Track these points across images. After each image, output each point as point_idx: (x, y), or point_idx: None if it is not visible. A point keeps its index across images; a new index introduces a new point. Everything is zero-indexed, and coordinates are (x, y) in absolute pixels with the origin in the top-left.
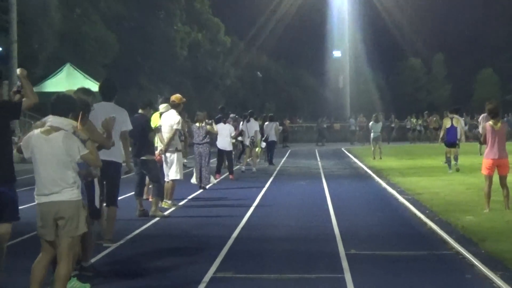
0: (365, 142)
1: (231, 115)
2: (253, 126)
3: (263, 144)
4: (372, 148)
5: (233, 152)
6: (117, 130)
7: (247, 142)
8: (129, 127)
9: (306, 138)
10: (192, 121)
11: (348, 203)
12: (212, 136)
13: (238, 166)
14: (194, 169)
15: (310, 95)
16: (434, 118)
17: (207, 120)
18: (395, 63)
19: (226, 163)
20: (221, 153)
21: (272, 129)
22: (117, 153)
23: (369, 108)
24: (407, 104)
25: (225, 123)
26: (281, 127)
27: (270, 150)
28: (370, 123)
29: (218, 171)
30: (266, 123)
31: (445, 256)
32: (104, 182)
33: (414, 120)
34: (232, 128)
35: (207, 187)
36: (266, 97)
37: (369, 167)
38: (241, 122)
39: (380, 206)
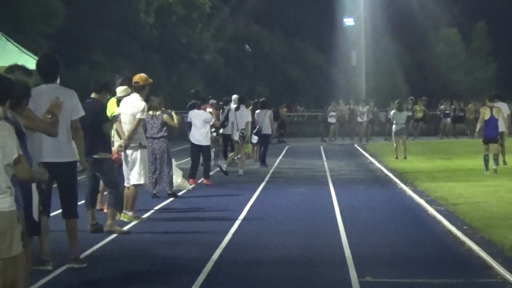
0: (339, 138)
1: (211, 101)
2: (245, 115)
3: (254, 139)
4: (395, 145)
5: (213, 149)
6: (66, 119)
7: (235, 136)
8: (81, 113)
9: (308, 131)
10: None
11: (363, 216)
12: (172, 130)
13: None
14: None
15: (314, 75)
16: (474, 107)
17: (163, 109)
18: (424, 35)
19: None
20: (196, 150)
21: (266, 118)
22: (68, 150)
23: (390, 92)
24: (440, 88)
25: (199, 109)
26: (275, 123)
27: (264, 146)
28: (392, 112)
29: (192, 175)
30: (258, 111)
31: (488, 285)
32: (59, 188)
33: (447, 107)
34: (209, 116)
35: (181, 193)
36: (256, 78)
37: (390, 169)
38: (221, 110)
39: (404, 220)
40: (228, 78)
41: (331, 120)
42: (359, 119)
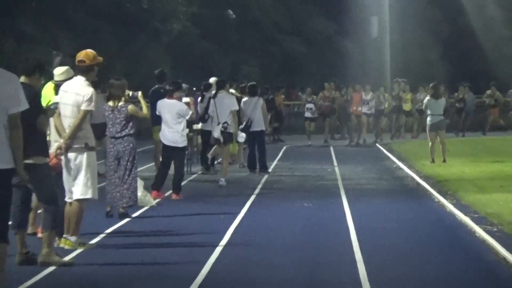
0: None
1: (183, 86)
2: (227, 103)
3: (241, 137)
4: (430, 143)
5: (187, 151)
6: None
7: (215, 133)
8: (23, 105)
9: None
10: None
11: (388, 242)
12: (143, 117)
13: (195, 175)
14: (106, 184)
15: (320, 50)
16: None
17: (130, 94)
18: None
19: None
20: (167, 153)
21: (257, 109)
22: (3, 154)
23: (422, 72)
24: (490, 68)
25: (171, 98)
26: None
27: (259, 146)
28: (426, 100)
29: (156, 186)
30: (245, 99)
31: None
32: None
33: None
34: (184, 107)
35: (141, 211)
36: (243, 55)
37: (424, 177)
38: (200, 98)
39: (444, 246)
40: (204, 55)
41: (308, 114)
42: (361, 109)
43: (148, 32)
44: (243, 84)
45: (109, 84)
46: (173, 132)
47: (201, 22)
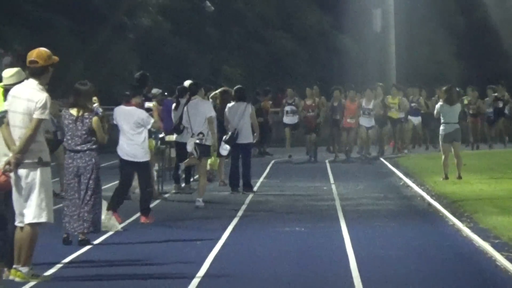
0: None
1: (153, 91)
2: (202, 110)
3: (224, 149)
4: (443, 157)
5: (155, 167)
6: None
7: (189, 146)
8: None
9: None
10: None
11: (394, 271)
12: (101, 139)
13: (168, 194)
14: (64, 205)
15: (314, 48)
16: None
17: (95, 105)
18: None
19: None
20: (126, 169)
21: (245, 117)
22: None
23: (432, 72)
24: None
25: (129, 104)
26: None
27: (244, 161)
28: (438, 105)
29: (113, 205)
30: (230, 104)
31: None
32: None
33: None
34: (145, 115)
35: (105, 237)
36: (223, 54)
37: (436, 196)
38: (176, 105)
39: (460, 276)
40: (178, 54)
41: (287, 119)
42: (356, 121)
43: (112, 27)
44: (225, 88)
45: (74, 89)
46: (132, 144)
47: (174, 16)
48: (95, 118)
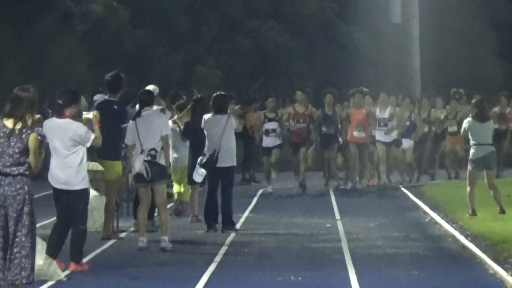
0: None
1: (96, 97)
2: (156, 125)
3: (199, 174)
4: (468, 188)
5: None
6: None
7: (136, 165)
8: None
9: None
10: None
11: None
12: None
13: (125, 234)
14: None
15: (316, 44)
16: None
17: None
18: None
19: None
20: (61, 201)
21: (227, 132)
22: None
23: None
24: None
25: (62, 116)
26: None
27: (224, 190)
28: (466, 123)
29: (53, 248)
30: (207, 117)
31: None
32: None
33: None
34: (81, 129)
35: None
36: (197, 50)
37: (473, 236)
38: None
39: None
40: (139, 50)
41: (267, 141)
42: (366, 135)
43: (54, 16)
44: (198, 96)
45: (12, 96)
46: (65, 168)
47: (134, 1)
48: (33, 135)
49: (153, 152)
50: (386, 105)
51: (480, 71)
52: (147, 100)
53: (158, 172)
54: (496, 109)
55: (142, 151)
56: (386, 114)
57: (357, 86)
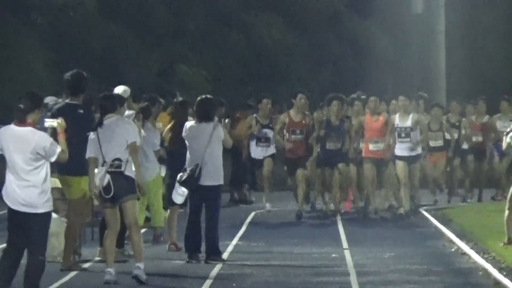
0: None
1: (47, 99)
2: (120, 133)
3: (180, 194)
4: (507, 212)
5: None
6: None
7: (97, 178)
8: None
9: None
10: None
11: None
12: None
13: (90, 264)
14: None
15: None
16: None
17: None
18: None
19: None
20: (16, 225)
21: (212, 143)
22: None
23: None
24: None
25: (20, 123)
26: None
27: (209, 213)
28: (510, 136)
29: (3, 281)
30: (189, 124)
31: None
32: None
33: None
34: (46, 140)
35: None
36: (179, 47)
37: (508, 269)
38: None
39: None
40: (109, 46)
41: (257, 151)
42: (383, 147)
43: (12, 10)
44: (180, 100)
45: None
46: (26, 187)
47: None
48: None
49: (117, 162)
50: (408, 111)
51: None
52: (109, 106)
53: (124, 185)
54: (473, 117)
55: (104, 163)
56: (408, 122)
57: (371, 90)
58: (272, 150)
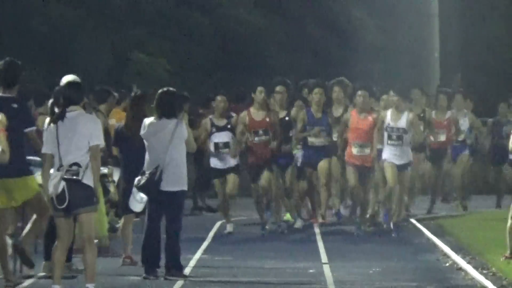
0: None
1: None
2: (83, 131)
3: (138, 200)
4: (510, 221)
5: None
6: None
7: (51, 186)
8: None
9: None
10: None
11: None
12: None
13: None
14: None
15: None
16: None
17: None
18: None
19: None
20: None
21: (174, 142)
22: None
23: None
24: None
25: None
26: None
27: (171, 223)
28: None
29: None
30: (148, 121)
31: None
32: None
33: None
34: None
35: None
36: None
37: (510, 287)
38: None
39: None
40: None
41: (219, 160)
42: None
43: None
44: (137, 93)
45: None
46: None
47: None
48: None
49: (75, 168)
50: (401, 110)
51: None
52: (74, 96)
53: (81, 195)
54: (433, 112)
55: (60, 167)
56: (402, 122)
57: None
58: (234, 161)
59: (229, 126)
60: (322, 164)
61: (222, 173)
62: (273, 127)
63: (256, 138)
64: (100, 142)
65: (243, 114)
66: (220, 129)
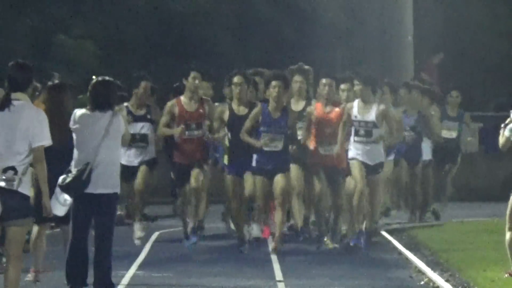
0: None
1: None
2: (25, 125)
3: (62, 203)
4: (509, 233)
5: None
6: None
7: None
8: None
9: None
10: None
11: None
12: None
13: None
14: None
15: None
16: None
17: None
18: None
19: None
20: None
21: (108, 138)
22: None
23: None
24: None
25: None
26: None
27: (100, 232)
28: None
29: None
30: (80, 112)
31: None
32: None
33: None
34: None
35: None
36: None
37: None
38: None
39: None
40: None
41: (133, 154)
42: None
43: None
44: (56, 82)
45: None
46: None
47: None
48: None
49: (10, 173)
50: (370, 101)
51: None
52: (21, 80)
53: (15, 206)
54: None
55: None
56: (371, 116)
57: (317, 69)
58: (151, 153)
59: (148, 116)
60: (278, 180)
61: (131, 172)
62: (209, 120)
63: (187, 132)
64: (46, 141)
65: (171, 103)
66: (137, 119)
